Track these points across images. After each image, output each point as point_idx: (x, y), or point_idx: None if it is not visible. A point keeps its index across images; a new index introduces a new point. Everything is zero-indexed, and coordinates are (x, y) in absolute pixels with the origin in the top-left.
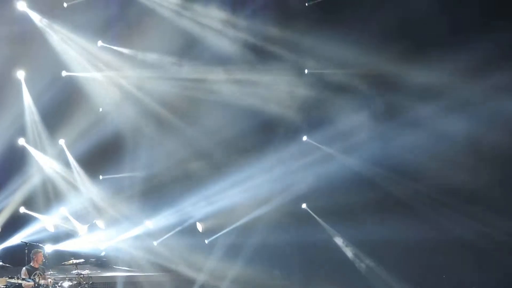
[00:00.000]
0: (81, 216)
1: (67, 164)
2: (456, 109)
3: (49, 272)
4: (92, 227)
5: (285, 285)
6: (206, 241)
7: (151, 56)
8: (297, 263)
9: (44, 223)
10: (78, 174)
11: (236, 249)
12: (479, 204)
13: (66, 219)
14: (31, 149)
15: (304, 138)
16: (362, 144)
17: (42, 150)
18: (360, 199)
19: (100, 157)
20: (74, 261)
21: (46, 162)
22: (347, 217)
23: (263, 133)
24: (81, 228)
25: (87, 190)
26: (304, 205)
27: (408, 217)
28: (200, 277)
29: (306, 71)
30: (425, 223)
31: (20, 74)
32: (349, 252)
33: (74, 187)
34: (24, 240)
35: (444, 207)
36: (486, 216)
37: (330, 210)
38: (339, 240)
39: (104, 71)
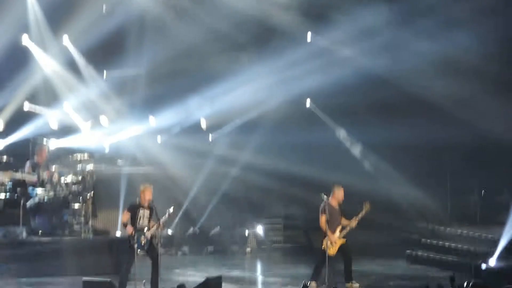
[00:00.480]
0: (84, 112)
1: (71, 61)
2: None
3: (53, 167)
4: (96, 123)
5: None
6: (210, 138)
7: None
8: (300, 162)
9: (47, 118)
10: (83, 69)
11: (239, 147)
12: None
13: (69, 114)
14: (34, 47)
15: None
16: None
17: (45, 47)
18: (366, 100)
19: (104, 53)
20: (78, 156)
21: (49, 59)
22: (352, 117)
23: (267, 32)
24: (84, 124)
25: (92, 85)
26: (308, 102)
27: (414, 118)
28: (201, 177)
29: None
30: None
31: None
32: (355, 150)
33: (78, 83)
34: (28, 135)
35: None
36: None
37: (335, 109)
38: (344, 138)
39: None
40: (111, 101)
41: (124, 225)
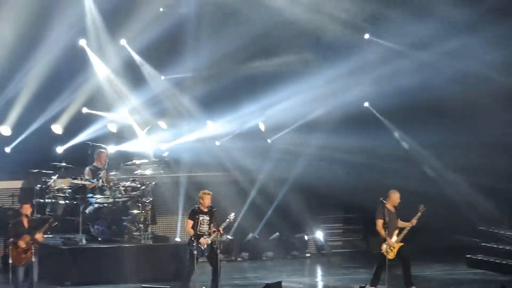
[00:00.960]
0: (142, 117)
1: (128, 63)
2: None
3: (112, 173)
4: (154, 128)
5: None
6: (269, 140)
7: None
8: (358, 164)
9: (106, 123)
10: (141, 70)
11: (297, 151)
12: None
13: (127, 119)
14: (91, 51)
15: (366, 36)
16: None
17: (103, 49)
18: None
19: (161, 55)
20: (137, 161)
21: (107, 62)
22: (410, 119)
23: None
24: (142, 129)
25: (150, 88)
26: (366, 104)
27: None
28: (260, 177)
29: None
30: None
31: None
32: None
33: (136, 85)
34: (87, 140)
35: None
36: None
37: (393, 111)
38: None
39: None
40: (169, 105)
41: (189, 234)
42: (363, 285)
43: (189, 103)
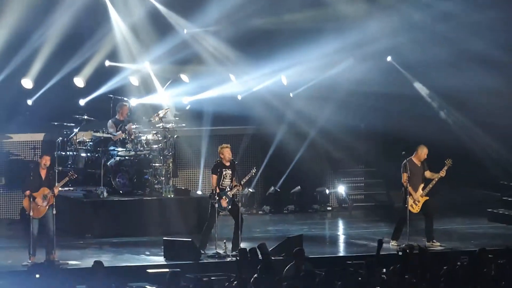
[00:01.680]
0: (165, 69)
1: (152, 15)
2: None
3: (134, 126)
4: (176, 81)
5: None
6: (291, 94)
7: None
8: (381, 117)
9: (128, 76)
10: (165, 23)
11: (319, 105)
12: None
13: (149, 71)
14: (111, 3)
15: None
16: None
17: (125, 1)
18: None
19: (185, 8)
20: (159, 114)
21: (129, 14)
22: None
23: None
24: (160, 85)
25: (173, 39)
26: (389, 58)
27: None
28: (283, 130)
29: None
30: None
31: None
32: (434, 103)
33: (158, 39)
34: (109, 93)
35: None
36: None
37: (416, 62)
38: (423, 91)
39: None
40: (192, 58)
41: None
42: (381, 238)
43: (211, 57)
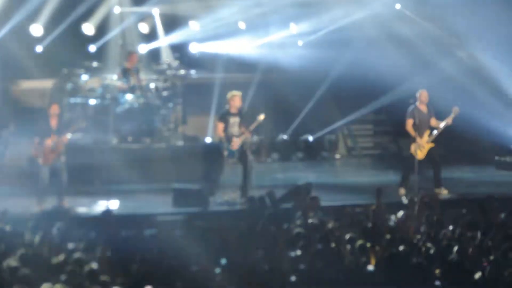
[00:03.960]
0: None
1: None
2: None
3: (143, 73)
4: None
5: None
6: (300, 43)
7: None
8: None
9: (138, 23)
10: None
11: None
12: None
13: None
14: None
15: None
16: None
17: None
18: None
19: None
20: (168, 61)
21: None
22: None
23: None
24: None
25: None
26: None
27: None
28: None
29: None
30: None
31: None
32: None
33: None
34: (118, 40)
35: None
36: None
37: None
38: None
39: None
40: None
41: (221, 136)
42: (379, 187)
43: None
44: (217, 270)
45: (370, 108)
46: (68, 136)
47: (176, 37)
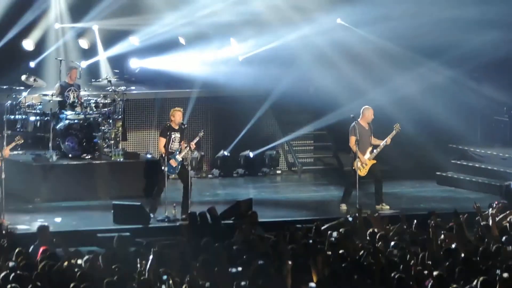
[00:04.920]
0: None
1: None
2: None
3: (84, 90)
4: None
5: None
6: (240, 58)
7: None
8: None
9: (78, 39)
10: None
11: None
12: None
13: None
14: None
15: None
16: None
17: None
18: None
19: None
20: (108, 78)
21: None
22: None
23: None
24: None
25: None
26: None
27: None
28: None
29: None
30: None
31: None
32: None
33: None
34: (58, 56)
35: None
36: None
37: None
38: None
39: None
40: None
41: (162, 152)
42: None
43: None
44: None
45: (313, 126)
46: (8, 151)
47: (116, 51)
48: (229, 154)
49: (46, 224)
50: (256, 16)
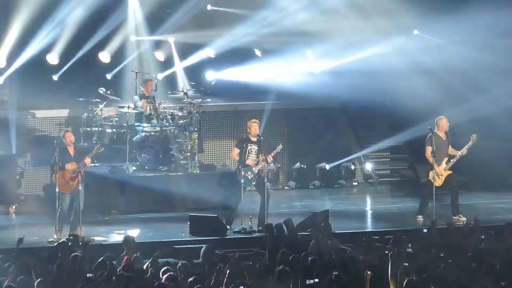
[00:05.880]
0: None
1: None
2: None
3: (159, 101)
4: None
5: None
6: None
7: None
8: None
9: (154, 51)
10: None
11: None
12: None
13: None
14: None
15: None
16: None
17: None
18: None
19: None
20: (185, 90)
21: None
22: None
23: None
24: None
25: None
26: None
27: None
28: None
29: None
30: None
31: None
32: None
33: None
34: (134, 69)
35: None
36: None
37: None
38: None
39: None
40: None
41: (235, 161)
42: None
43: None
44: None
45: (390, 142)
46: (89, 161)
47: (192, 63)
48: (305, 166)
49: (132, 235)
50: (332, 30)
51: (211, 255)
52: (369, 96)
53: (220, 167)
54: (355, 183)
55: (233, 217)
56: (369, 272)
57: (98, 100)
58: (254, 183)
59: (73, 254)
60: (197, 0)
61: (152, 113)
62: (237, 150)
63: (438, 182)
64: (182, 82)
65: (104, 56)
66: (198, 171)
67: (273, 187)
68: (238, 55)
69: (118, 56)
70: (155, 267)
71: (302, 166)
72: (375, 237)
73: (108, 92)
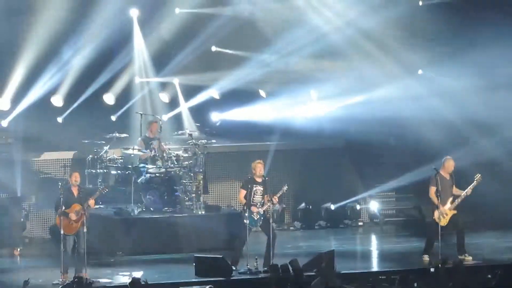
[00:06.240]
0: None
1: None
2: None
3: (164, 143)
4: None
5: None
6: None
7: None
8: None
9: (159, 93)
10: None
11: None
12: None
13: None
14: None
15: None
16: None
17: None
18: None
19: None
20: (189, 131)
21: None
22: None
23: None
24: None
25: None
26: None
27: None
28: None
29: None
30: None
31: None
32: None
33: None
34: (139, 110)
35: None
36: None
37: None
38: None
39: None
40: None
41: (242, 203)
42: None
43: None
44: None
45: (395, 182)
46: (93, 202)
47: (196, 105)
48: (310, 207)
49: (138, 277)
50: (336, 70)
51: None
52: (373, 136)
53: (225, 208)
54: (360, 223)
55: (238, 258)
56: None
57: (103, 142)
58: (259, 224)
59: None
60: (201, 41)
61: (157, 154)
62: (244, 192)
63: (443, 222)
64: (188, 123)
65: (109, 98)
66: (203, 212)
67: (278, 227)
68: (243, 96)
69: (123, 97)
70: None
71: (308, 206)
72: (382, 277)
73: (113, 134)
